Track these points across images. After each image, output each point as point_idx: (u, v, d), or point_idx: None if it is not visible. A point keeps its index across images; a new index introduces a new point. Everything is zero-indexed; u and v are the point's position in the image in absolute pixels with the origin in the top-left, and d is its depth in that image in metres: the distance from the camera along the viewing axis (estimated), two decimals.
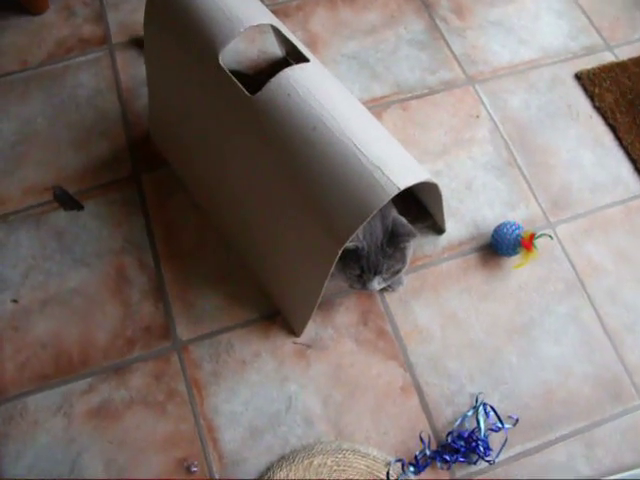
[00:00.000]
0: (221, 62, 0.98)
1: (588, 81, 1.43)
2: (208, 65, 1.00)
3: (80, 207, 1.26)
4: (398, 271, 1.08)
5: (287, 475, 1.03)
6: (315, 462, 1.04)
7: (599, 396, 1.12)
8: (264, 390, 1.11)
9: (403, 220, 1.06)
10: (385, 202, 0.89)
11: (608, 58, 1.48)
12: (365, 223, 0.90)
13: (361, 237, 1.01)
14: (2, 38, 1.45)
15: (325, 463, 1.04)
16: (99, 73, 1.42)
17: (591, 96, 1.42)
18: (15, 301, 1.17)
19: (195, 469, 1.04)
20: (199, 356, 1.13)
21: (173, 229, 1.24)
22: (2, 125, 1.35)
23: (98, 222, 1.25)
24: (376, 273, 1.04)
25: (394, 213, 1.07)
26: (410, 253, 1.09)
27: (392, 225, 1.04)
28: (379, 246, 1.03)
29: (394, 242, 1.04)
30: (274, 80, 0.95)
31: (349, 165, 0.91)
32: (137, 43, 1.43)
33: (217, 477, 1.04)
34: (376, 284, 1.06)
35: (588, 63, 1.47)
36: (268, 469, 1.04)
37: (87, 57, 1.44)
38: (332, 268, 0.97)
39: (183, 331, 1.15)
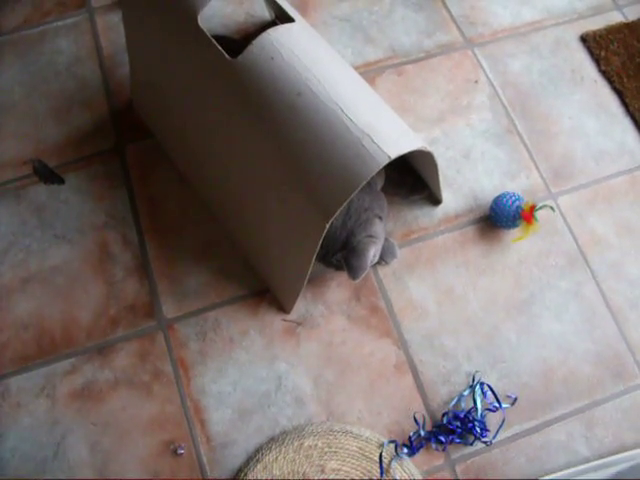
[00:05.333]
0: (200, 23, 0.92)
1: (594, 43, 1.36)
2: (187, 27, 0.95)
3: (61, 181, 1.22)
4: None
5: (277, 457, 1.00)
6: (306, 444, 1.01)
7: (600, 374, 1.09)
8: (253, 369, 1.08)
9: (366, 252, 0.99)
10: (375, 172, 0.84)
11: (616, 18, 1.42)
12: (332, 226, 0.86)
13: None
14: None
15: (316, 445, 1.01)
16: (78, 39, 1.35)
17: (597, 59, 1.36)
18: None
19: (182, 451, 1.02)
20: (185, 335, 1.10)
21: (158, 203, 1.20)
22: None
23: (80, 196, 1.21)
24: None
25: (369, 232, 1.01)
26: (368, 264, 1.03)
27: (351, 249, 0.99)
28: (330, 255, 1.01)
29: (341, 264, 1.01)
30: (256, 42, 0.90)
31: (336, 133, 0.86)
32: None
33: (205, 459, 1.02)
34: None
35: (594, 24, 1.40)
36: (257, 451, 1.02)
37: (65, 22, 1.37)
38: (320, 242, 0.92)
39: (168, 309, 1.12)
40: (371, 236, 1.01)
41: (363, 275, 1.01)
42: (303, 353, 1.09)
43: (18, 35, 1.35)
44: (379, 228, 1.03)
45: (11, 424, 1.03)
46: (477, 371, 1.08)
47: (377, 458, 1.00)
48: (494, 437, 1.03)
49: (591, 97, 1.33)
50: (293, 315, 1.11)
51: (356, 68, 1.23)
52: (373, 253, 1.01)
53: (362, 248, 0.99)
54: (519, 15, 1.41)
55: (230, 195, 1.12)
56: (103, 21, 1.37)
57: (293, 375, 1.07)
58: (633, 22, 1.39)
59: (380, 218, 1.04)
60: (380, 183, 1.10)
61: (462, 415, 1.03)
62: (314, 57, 0.92)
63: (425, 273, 1.15)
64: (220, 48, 0.91)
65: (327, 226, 0.87)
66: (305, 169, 0.88)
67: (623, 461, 1.01)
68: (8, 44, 1.34)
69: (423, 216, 1.20)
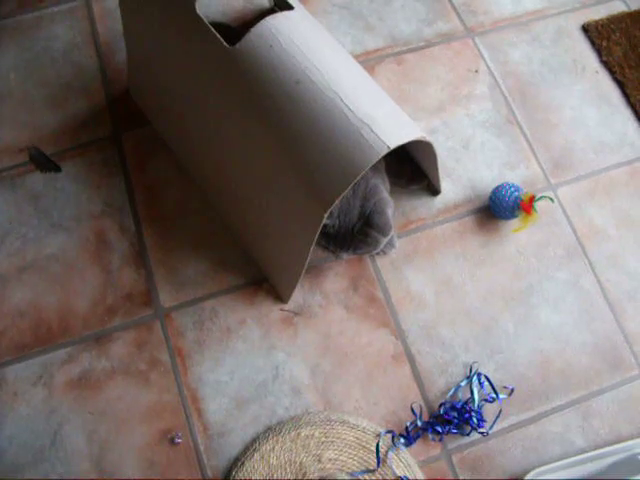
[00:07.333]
0: (198, 10, 0.91)
1: (596, 33, 1.35)
2: (185, 14, 0.93)
3: (57, 169, 1.21)
4: (368, 252, 1.05)
5: (274, 447, 1.00)
6: (303, 433, 1.01)
7: (597, 366, 1.09)
8: (250, 359, 1.07)
9: (386, 210, 0.99)
10: (374, 162, 0.83)
11: (619, 8, 1.40)
12: (344, 198, 0.84)
13: (335, 214, 0.97)
14: None
15: (313, 434, 1.01)
16: (75, 25, 1.33)
17: (598, 49, 1.34)
18: None
19: (179, 440, 1.02)
20: (182, 324, 1.09)
21: (155, 191, 1.19)
22: None
23: (76, 184, 1.20)
24: (342, 250, 1.01)
25: (381, 196, 1.00)
26: (384, 242, 1.03)
27: (370, 212, 0.98)
28: (350, 229, 0.98)
29: (366, 230, 0.99)
30: (254, 30, 0.88)
31: (335, 122, 0.85)
32: None
33: (202, 448, 1.02)
34: (344, 256, 1.03)
35: (597, 13, 1.39)
36: (254, 440, 1.02)
37: (61, 7, 1.35)
38: (318, 232, 0.92)
39: (166, 298, 1.11)
40: (384, 198, 1.00)
41: (391, 235, 1.01)
42: (300, 343, 1.08)
43: (13, 20, 1.33)
44: (386, 194, 1.02)
45: (8, 413, 1.03)
46: (474, 362, 1.08)
47: (374, 448, 1.00)
48: (491, 428, 1.03)
49: (592, 88, 1.32)
50: (290, 305, 1.11)
51: (355, 56, 1.22)
52: (390, 214, 1.00)
53: (381, 206, 0.98)
54: (520, 4, 1.40)
55: (228, 184, 1.11)
56: (100, 7, 1.35)
57: (290, 365, 1.07)
58: (636, 12, 1.38)
59: (384, 187, 1.04)
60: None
61: (459, 405, 1.03)
62: (313, 45, 0.90)
63: (423, 263, 1.15)
64: (218, 36, 0.90)
65: (326, 215, 0.87)
66: (303, 158, 0.87)
67: (619, 452, 1.01)
68: (3, 30, 1.32)
69: (422, 206, 1.19)
